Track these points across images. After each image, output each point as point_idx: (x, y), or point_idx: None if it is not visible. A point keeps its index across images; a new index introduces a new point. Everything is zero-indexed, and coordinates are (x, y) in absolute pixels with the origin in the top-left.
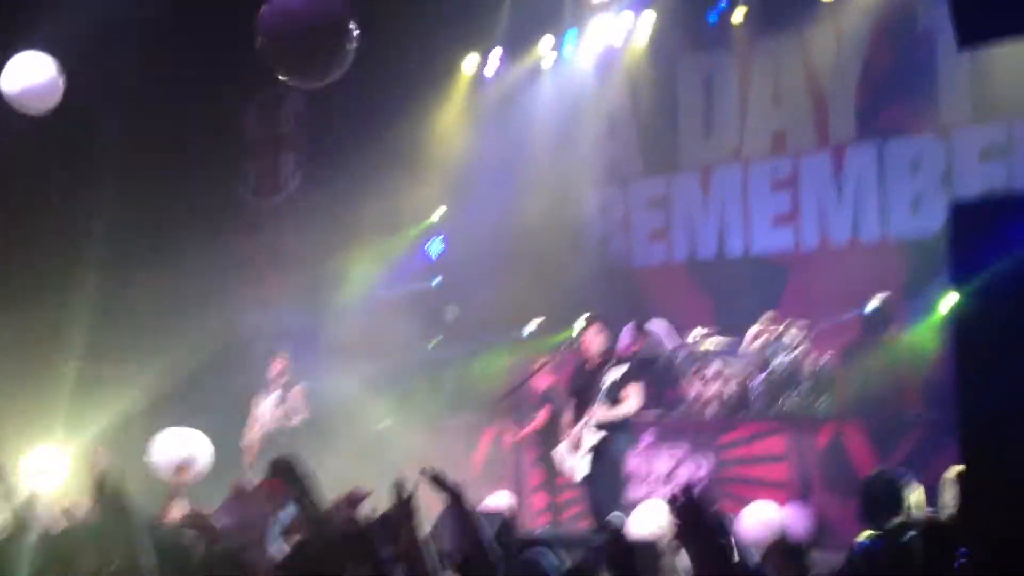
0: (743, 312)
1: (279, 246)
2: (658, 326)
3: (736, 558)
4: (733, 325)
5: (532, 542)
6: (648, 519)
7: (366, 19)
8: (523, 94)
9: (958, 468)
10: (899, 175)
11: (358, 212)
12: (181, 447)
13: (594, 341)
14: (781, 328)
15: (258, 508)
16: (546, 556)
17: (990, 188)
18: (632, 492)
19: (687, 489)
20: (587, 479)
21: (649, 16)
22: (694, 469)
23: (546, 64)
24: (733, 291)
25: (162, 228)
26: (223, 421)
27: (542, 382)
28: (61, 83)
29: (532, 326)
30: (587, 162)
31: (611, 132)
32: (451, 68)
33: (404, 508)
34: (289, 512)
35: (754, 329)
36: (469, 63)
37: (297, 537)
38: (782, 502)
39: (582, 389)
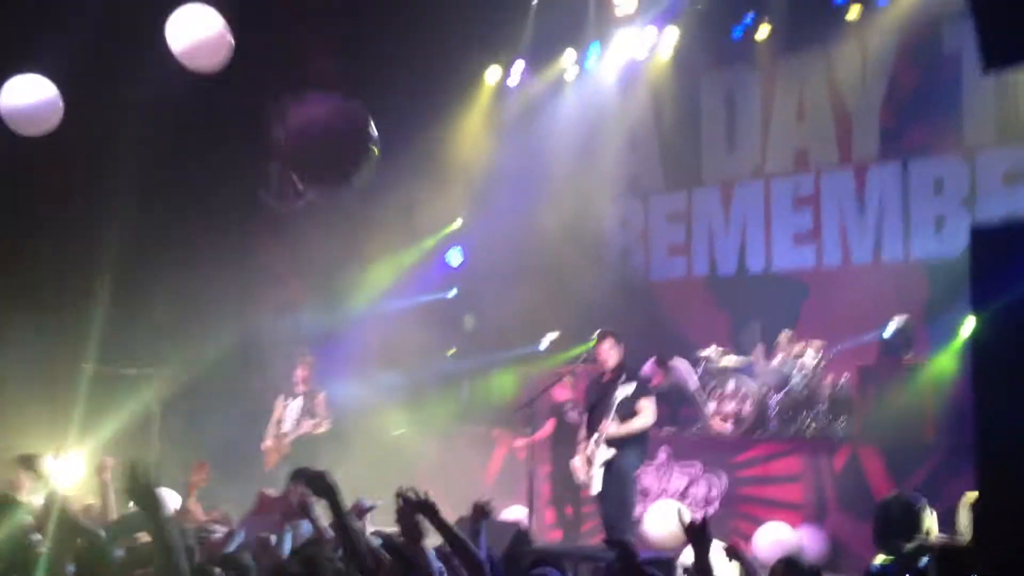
0: (761, 330)
1: (300, 251)
2: (680, 363)
3: None
4: (750, 343)
5: (543, 556)
6: (662, 521)
7: (391, 28)
8: (545, 106)
9: (974, 494)
10: (922, 195)
11: (379, 220)
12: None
13: (609, 355)
14: (799, 347)
15: (278, 516)
16: None
17: (1013, 211)
18: (645, 508)
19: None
20: (600, 495)
21: (673, 31)
22: (707, 487)
23: (569, 77)
24: (752, 308)
25: (182, 232)
26: (242, 424)
27: (558, 395)
28: (60, 106)
29: (548, 339)
30: (608, 175)
31: (632, 146)
32: (474, 79)
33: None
34: (306, 531)
35: (760, 348)
36: (492, 74)
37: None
38: (796, 523)
39: (596, 403)
